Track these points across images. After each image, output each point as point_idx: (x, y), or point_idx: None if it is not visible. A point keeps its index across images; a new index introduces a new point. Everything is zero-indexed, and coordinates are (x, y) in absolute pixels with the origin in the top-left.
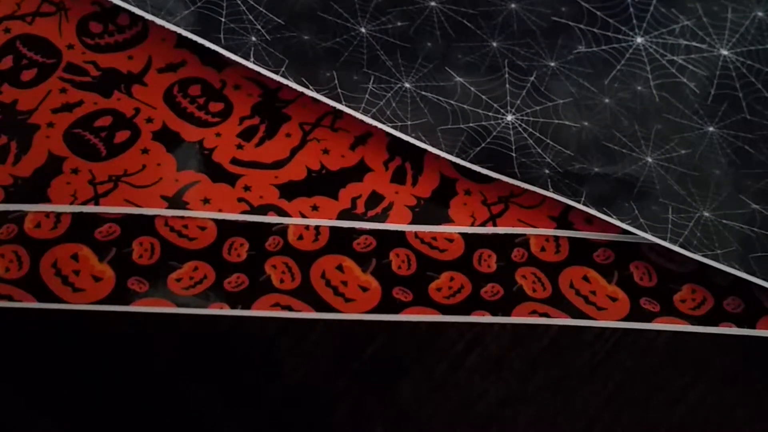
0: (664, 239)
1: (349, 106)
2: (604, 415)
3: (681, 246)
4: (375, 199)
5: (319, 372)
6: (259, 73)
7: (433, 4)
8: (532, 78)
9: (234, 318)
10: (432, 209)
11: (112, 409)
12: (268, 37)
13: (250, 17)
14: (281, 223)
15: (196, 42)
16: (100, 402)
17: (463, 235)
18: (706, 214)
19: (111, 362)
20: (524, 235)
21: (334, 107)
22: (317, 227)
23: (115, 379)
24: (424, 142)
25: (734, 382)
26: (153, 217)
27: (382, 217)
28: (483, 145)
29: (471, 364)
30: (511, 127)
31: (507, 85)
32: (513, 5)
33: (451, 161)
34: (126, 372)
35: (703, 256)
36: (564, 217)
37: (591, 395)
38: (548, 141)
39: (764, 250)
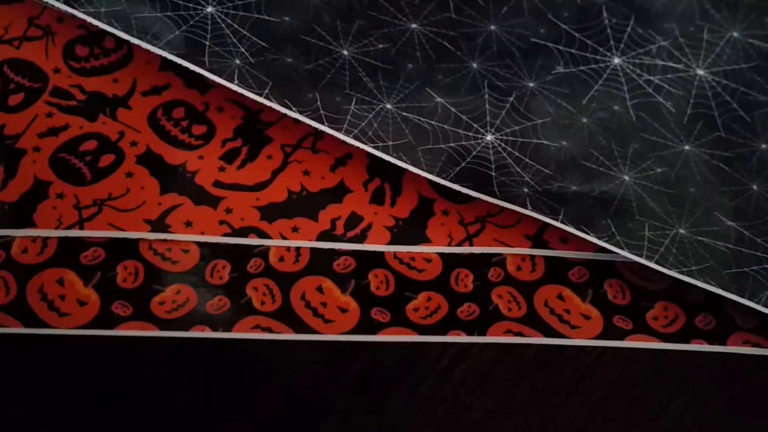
0: (641, 256)
1: (332, 127)
2: (587, 427)
3: (657, 263)
4: (354, 220)
5: (306, 387)
6: (241, 95)
7: (414, 26)
8: (511, 98)
9: (220, 339)
10: (410, 229)
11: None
12: (251, 59)
13: (234, 40)
14: (263, 245)
15: (179, 64)
16: (87, 425)
17: (441, 254)
18: (682, 231)
19: (97, 385)
20: (501, 254)
21: (315, 129)
22: (298, 248)
23: (101, 402)
24: (406, 162)
25: (715, 394)
26: (137, 240)
27: (360, 238)
28: (463, 164)
29: (456, 378)
30: (490, 146)
31: (487, 105)
32: (493, 27)
33: (429, 181)
34: (112, 394)
35: (678, 272)
36: (539, 236)
37: (574, 408)
38: (527, 160)
39: (739, 266)
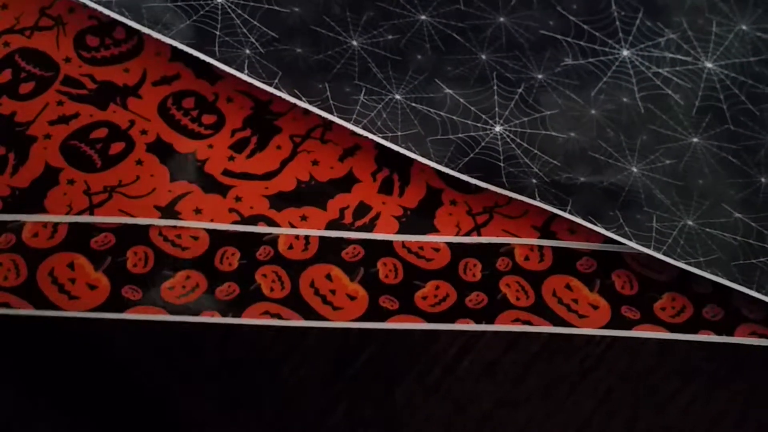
0: (648, 247)
1: (341, 118)
2: (594, 419)
3: (664, 254)
4: (362, 209)
5: (314, 378)
6: (251, 86)
7: (423, 17)
8: (520, 90)
9: (230, 325)
10: (418, 219)
11: (108, 415)
12: (261, 49)
13: (244, 30)
14: (272, 233)
15: (190, 55)
16: (96, 407)
17: (449, 244)
18: (690, 222)
19: (106, 368)
20: (509, 244)
21: (324, 120)
22: (307, 237)
23: (110, 385)
24: (414, 153)
25: (722, 386)
26: (147, 226)
27: (369, 227)
28: (472, 155)
29: (464, 369)
30: (499, 137)
31: (495, 97)
32: (502, 19)
33: (437, 171)
34: (121, 378)
35: (686, 263)
36: (547, 227)
37: (582, 400)
38: (536, 151)
39: (747, 257)
